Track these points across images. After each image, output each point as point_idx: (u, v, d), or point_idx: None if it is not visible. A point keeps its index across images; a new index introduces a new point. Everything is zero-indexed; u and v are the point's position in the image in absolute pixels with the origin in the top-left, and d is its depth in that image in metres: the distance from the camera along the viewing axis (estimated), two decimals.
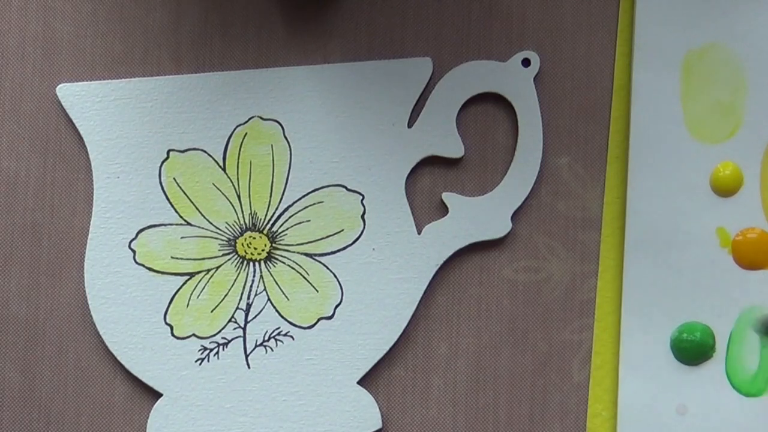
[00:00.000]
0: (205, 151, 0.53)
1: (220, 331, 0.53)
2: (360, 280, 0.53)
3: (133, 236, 0.53)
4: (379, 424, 0.53)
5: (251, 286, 0.53)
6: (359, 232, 0.53)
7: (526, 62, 0.53)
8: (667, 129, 0.53)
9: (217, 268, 0.53)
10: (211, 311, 0.53)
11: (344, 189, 0.53)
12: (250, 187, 0.53)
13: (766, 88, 0.52)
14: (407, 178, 0.53)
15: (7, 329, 0.53)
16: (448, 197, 0.53)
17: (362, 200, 0.53)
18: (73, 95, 0.53)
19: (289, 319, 0.53)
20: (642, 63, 0.53)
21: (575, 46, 0.54)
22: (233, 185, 0.53)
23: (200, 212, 0.53)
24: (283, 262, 0.53)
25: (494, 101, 0.54)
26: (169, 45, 0.54)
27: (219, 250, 0.53)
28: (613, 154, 0.53)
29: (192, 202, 0.53)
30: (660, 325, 0.52)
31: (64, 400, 0.53)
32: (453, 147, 0.53)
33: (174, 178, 0.53)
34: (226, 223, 0.53)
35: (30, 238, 0.54)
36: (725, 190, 0.52)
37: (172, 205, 0.53)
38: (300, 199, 0.53)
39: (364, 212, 0.53)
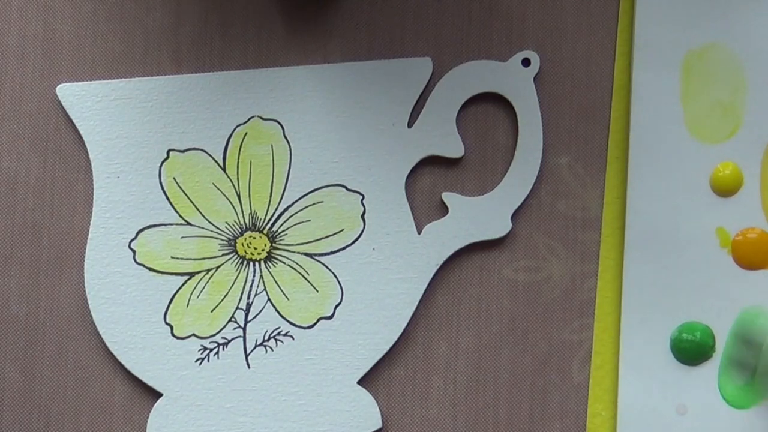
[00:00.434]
0: (205, 151, 0.53)
1: (220, 331, 0.53)
2: (360, 280, 0.53)
3: (133, 236, 0.53)
4: (379, 424, 0.53)
5: (251, 286, 0.53)
6: (359, 232, 0.53)
7: (526, 62, 0.53)
8: (667, 129, 0.53)
9: (217, 268, 0.53)
10: (211, 311, 0.53)
11: (344, 189, 0.53)
12: (250, 187, 0.53)
13: (766, 88, 0.53)
14: (407, 178, 0.53)
15: (7, 329, 0.53)
16: (448, 197, 0.53)
17: (362, 200, 0.53)
18: (73, 95, 0.53)
19: (289, 319, 0.53)
20: (642, 63, 0.53)
21: (575, 46, 0.54)
22: (233, 185, 0.53)
23: (200, 212, 0.53)
24: (283, 262, 0.53)
25: (494, 101, 0.54)
26: (169, 45, 0.54)
27: (219, 250, 0.53)
28: (613, 154, 0.53)
29: (192, 202, 0.53)
30: (660, 325, 0.52)
31: (64, 400, 0.53)
32: (453, 147, 0.53)
33: (174, 178, 0.53)
34: (226, 223, 0.53)
35: (30, 238, 0.54)
36: (725, 190, 0.52)
37: (172, 205, 0.53)
38: (300, 199, 0.53)
39: (364, 212, 0.53)
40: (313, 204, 0.53)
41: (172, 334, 0.53)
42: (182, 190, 0.53)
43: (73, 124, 0.54)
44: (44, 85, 0.54)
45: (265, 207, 0.53)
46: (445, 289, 0.53)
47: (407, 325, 0.53)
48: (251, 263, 0.53)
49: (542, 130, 0.53)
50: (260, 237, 0.53)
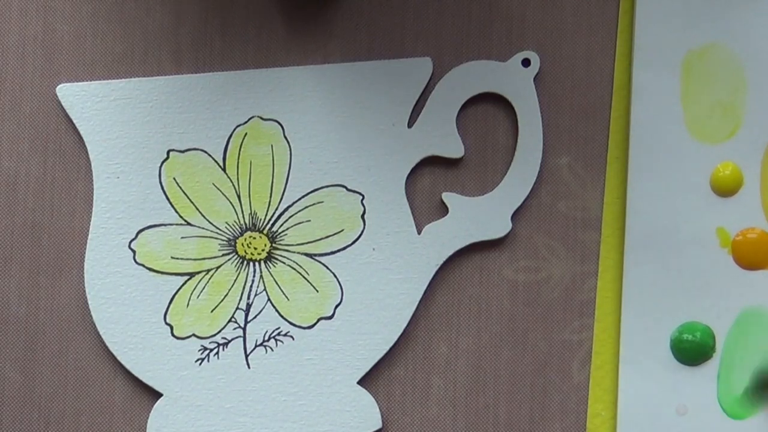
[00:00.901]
0: (205, 151, 0.53)
1: (220, 331, 0.53)
2: (360, 280, 0.53)
3: (133, 236, 0.53)
4: (379, 424, 0.53)
5: (251, 286, 0.53)
6: (359, 232, 0.53)
7: (526, 62, 0.53)
8: (667, 129, 0.53)
9: (217, 268, 0.53)
10: (211, 311, 0.53)
11: (344, 189, 0.53)
12: (250, 187, 0.53)
13: (766, 88, 0.52)
14: (407, 178, 0.53)
15: (7, 329, 0.53)
16: (448, 197, 0.53)
17: (362, 200, 0.53)
18: (73, 95, 0.53)
19: (289, 319, 0.53)
20: (642, 63, 0.53)
21: (575, 46, 0.54)
22: (233, 185, 0.53)
23: (200, 212, 0.53)
24: (283, 262, 0.53)
25: (494, 101, 0.54)
26: (169, 45, 0.54)
27: (219, 250, 0.53)
28: (613, 154, 0.53)
29: (192, 202, 0.53)
30: (660, 326, 0.52)
31: (64, 400, 0.53)
32: (453, 147, 0.53)
33: (174, 178, 0.53)
34: (226, 223, 0.53)
35: (30, 238, 0.54)
36: (725, 190, 0.52)
37: (172, 205, 0.53)
38: (300, 199, 0.53)
39: (364, 212, 0.53)
40: (313, 204, 0.53)
41: (172, 334, 0.53)
42: (182, 191, 0.53)
43: (73, 124, 0.54)
44: (44, 85, 0.54)
45: (265, 207, 0.53)
46: (445, 289, 0.53)
47: (407, 325, 0.53)
48: (251, 263, 0.53)
49: (542, 130, 0.53)
50: (260, 237, 0.53)
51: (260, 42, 0.54)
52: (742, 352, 0.52)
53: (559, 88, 0.54)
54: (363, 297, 0.53)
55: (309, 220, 0.53)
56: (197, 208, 0.53)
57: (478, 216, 0.53)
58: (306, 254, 0.53)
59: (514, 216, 0.53)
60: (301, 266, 0.53)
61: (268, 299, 0.53)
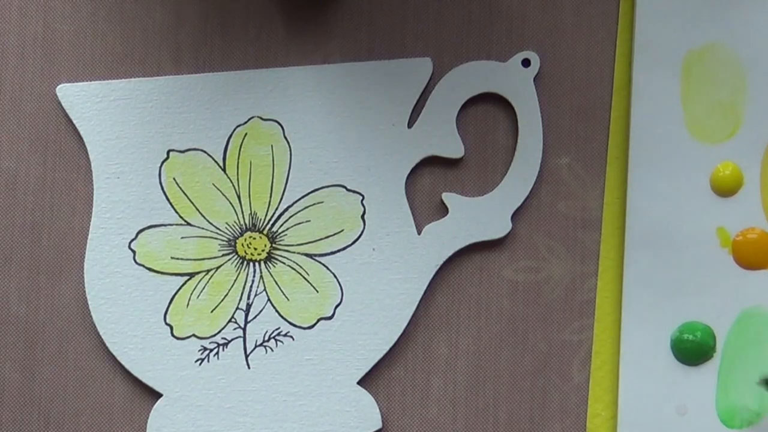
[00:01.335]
0: (205, 152, 0.53)
1: (220, 332, 0.53)
2: (360, 280, 0.53)
3: (133, 236, 0.53)
4: (379, 424, 0.53)
5: (251, 286, 0.53)
6: (359, 233, 0.53)
7: (526, 62, 0.53)
8: (667, 129, 0.53)
9: (217, 268, 0.53)
10: (211, 311, 0.53)
11: (344, 189, 0.53)
12: (250, 188, 0.53)
13: (766, 88, 0.52)
14: (407, 178, 0.53)
15: (7, 329, 0.53)
16: (448, 197, 0.53)
17: (362, 200, 0.53)
18: (73, 95, 0.53)
19: (289, 320, 0.53)
20: (642, 63, 0.53)
21: (575, 46, 0.54)
22: (233, 185, 0.53)
23: (200, 212, 0.53)
24: (283, 263, 0.53)
25: (494, 101, 0.54)
26: (169, 45, 0.54)
27: (219, 251, 0.53)
28: (613, 154, 0.53)
29: (192, 203, 0.53)
30: (660, 325, 0.52)
31: (64, 400, 0.53)
32: (453, 147, 0.53)
33: (174, 178, 0.53)
34: (226, 223, 0.53)
35: (30, 238, 0.54)
36: (725, 190, 0.52)
37: (172, 206, 0.53)
38: (300, 199, 0.53)
39: (364, 212, 0.53)
40: (313, 204, 0.53)
41: (172, 335, 0.53)
42: (182, 191, 0.53)
43: (73, 124, 0.54)
44: (44, 85, 0.54)
45: (265, 207, 0.53)
46: (445, 289, 0.53)
47: (407, 325, 0.53)
48: (251, 263, 0.53)
49: (542, 130, 0.53)
50: (260, 237, 0.53)
51: (260, 42, 0.54)
52: (743, 352, 0.52)
53: (559, 88, 0.54)
54: (363, 297, 0.53)
55: (309, 221, 0.53)
56: (197, 209, 0.53)
57: (478, 216, 0.53)
58: (306, 254, 0.53)
59: (514, 216, 0.53)
60: (301, 266, 0.53)
61: (268, 299, 0.53)
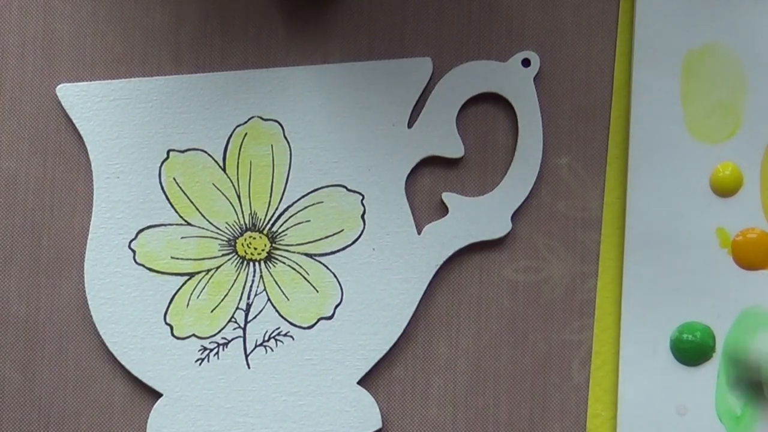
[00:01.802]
0: (205, 151, 0.53)
1: (220, 331, 0.53)
2: (360, 280, 0.53)
3: (133, 236, 0.53)
4: (379, 424, 0.53)
5: (251, 286, 0.53)
6: (359, 232, 0.53)
7: (526, 62, 0.53)
8: (667, 129, 0.53)
9: (217, 268, 0.53)
10: (211, 311, 0.53)
11: (344, 189, 0.53)
12: (250, 187, 0.53)
13: (766, 88, 0.52)
14: (407, 178, 0.53)
15: (7, 329, 0.53)
16: (448, 197, 0.53)
17: (362, 200, 0.53)
18: (73, 95, 0.53)
19: (289, 319, 0.53)
20: (642, 63, 0.53)
21: (575, 46, 0.54)
22: (233, 185, 0.53)
23: (200, 212, 0.53)
24: (283, 262, 0.53)
25: (494, 101, 0.54)
26: (169, 45, 0.54)
27: (219, 250, 0.53)
28: (613, 154, 0.53)
29: (192, 202, 0.53)
30: (660, 326, 0.52)
31: (64, 400, 0.53)
32: (453, 147, 0.53)
33: (174, 178, 0.53)
34: (226, 223, 0.53)
35: (30, 238, 0.54)
36: (725, 190, 0.52)
37: (172, 205, 0.53)
38: (300, 199, 0.53)
39: (364, 212, 0.53)
40: (313, 204, 0.53)
41: (172, 335, 0.53)
42: (182, 191, 0.53)
43: (73, 124, 0.54)
44: (44, 85, 0.54)
45: (265, 207, 0.53)
46: (445, 289, 0.53)
47: (407, 325, 0.53)
48: (251, 263, 0.53)
49: (542, 130, 0.53)
50: (260, 237, 0.53)
51: (260, 42, 0.54)
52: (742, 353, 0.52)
53: (559, 88, 0.54)
54: (363, 297, 0.53)
55: (309, 220, 0.53)
56: (197, 208, 0.53)
57: (478, 216, 0.53)
58: (306, 254, 0.53)
59: (514, 216, 0.53)
60: (301, 266, 0.53)
61: (268, 299, 0.53)
